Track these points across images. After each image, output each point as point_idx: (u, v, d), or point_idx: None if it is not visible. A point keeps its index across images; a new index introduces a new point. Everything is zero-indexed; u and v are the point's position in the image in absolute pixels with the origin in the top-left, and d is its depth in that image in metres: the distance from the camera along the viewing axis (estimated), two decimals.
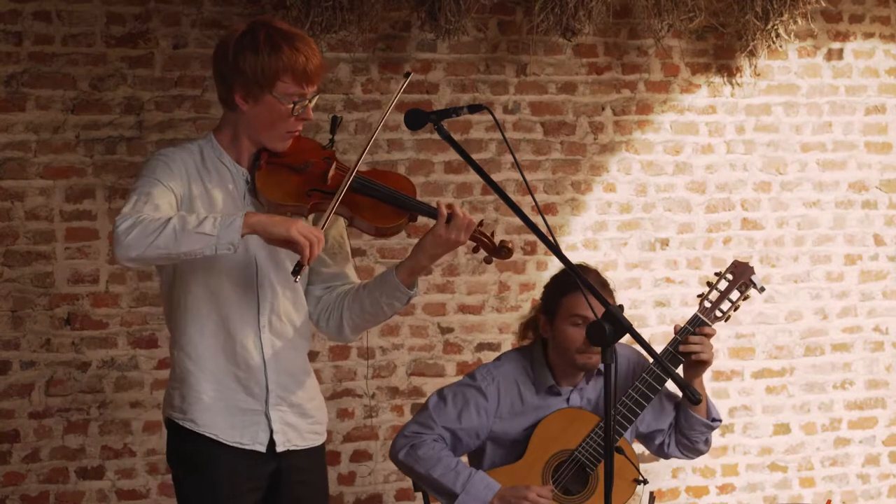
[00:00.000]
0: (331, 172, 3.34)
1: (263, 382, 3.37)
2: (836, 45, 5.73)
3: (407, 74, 3.45)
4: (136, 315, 4.86)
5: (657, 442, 3.99)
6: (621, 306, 3.82)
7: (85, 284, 4.81)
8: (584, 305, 3.73)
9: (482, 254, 3.45)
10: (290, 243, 3.14)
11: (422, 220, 3.44)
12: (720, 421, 3.98)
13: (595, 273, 3.89)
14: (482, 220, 3.40)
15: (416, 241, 3.48)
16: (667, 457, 4.03)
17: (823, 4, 5.44)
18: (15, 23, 4.74)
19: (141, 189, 3.22)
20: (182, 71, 4.92)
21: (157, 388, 4.87)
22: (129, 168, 4.84)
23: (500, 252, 3.43)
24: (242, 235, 3.12)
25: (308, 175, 3.36)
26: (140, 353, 4.86)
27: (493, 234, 3.44)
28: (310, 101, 3.32)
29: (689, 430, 3.93)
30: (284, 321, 3.41)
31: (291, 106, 3.29)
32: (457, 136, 4.89)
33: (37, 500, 4.76)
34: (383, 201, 3.37)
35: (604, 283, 3.86)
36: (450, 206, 3.36)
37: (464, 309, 5.27)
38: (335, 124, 3.46)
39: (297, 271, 3.20)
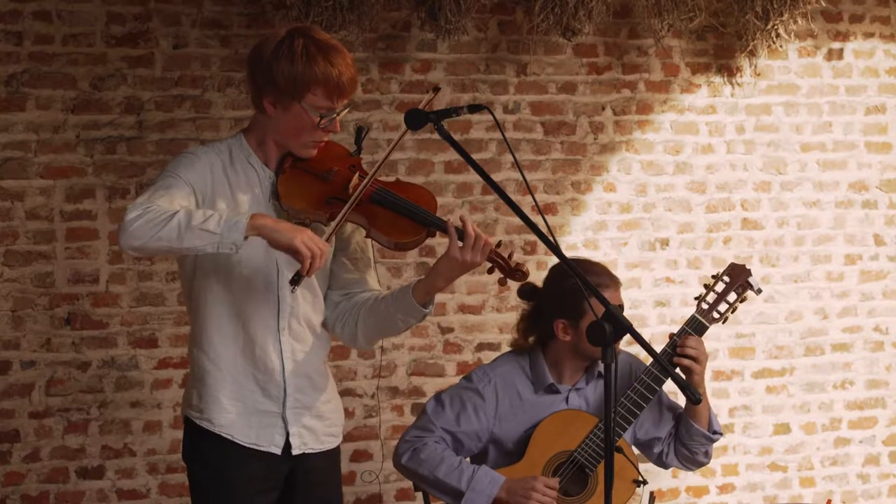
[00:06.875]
0: (353, 181, 3.30)
1: (282, 385, 3.37)
2: (836, 45, 5.73)
3: (436, 89, 3.40)
4: (136, 315, 4.86)
5: (655, 450, 3.98)
6: (621, 306, 3.84)
7: (85, 284, 4.81)
8: (612, 300, 3.73)
9: (497, 275, 3.38)
10: (292, 252, 3.10)
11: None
12: (721, 434, 3.96)
13: (601, 266, 3.89)
14: (500, 242, 3.36)
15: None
16: (666, 466, 4.02)
17: (823, 4, 5.44)
18: (15, 23, 4.74)
19: (160, 183, 3.22)
20: (182, 71, 4.91)
21: (157, 388, 4.87)
22: (129, 168, 4.84)
23: (515, 274, 3.36)
24: (246, 237, 3.09)
25: (329, 183, 3.32)
26: (140, 353, 4.86)
27: (510, 256, 3.37)
28: (338, 114, 3.29)
29: (688, 440, 3.91)
30: (304, 325, 3.40)
31: (318, 118, 3.25)
32: (457, 136, 4.88)
33: (37, 500, 4.76)
34: (401, 215, 3.31)
35: (611, 275, 3.86)
36: (462, 221, 3.29)
37: (464, 309, 5.26)
38: (360, 134, 3.42)
39: (295, 281, 3.16)
